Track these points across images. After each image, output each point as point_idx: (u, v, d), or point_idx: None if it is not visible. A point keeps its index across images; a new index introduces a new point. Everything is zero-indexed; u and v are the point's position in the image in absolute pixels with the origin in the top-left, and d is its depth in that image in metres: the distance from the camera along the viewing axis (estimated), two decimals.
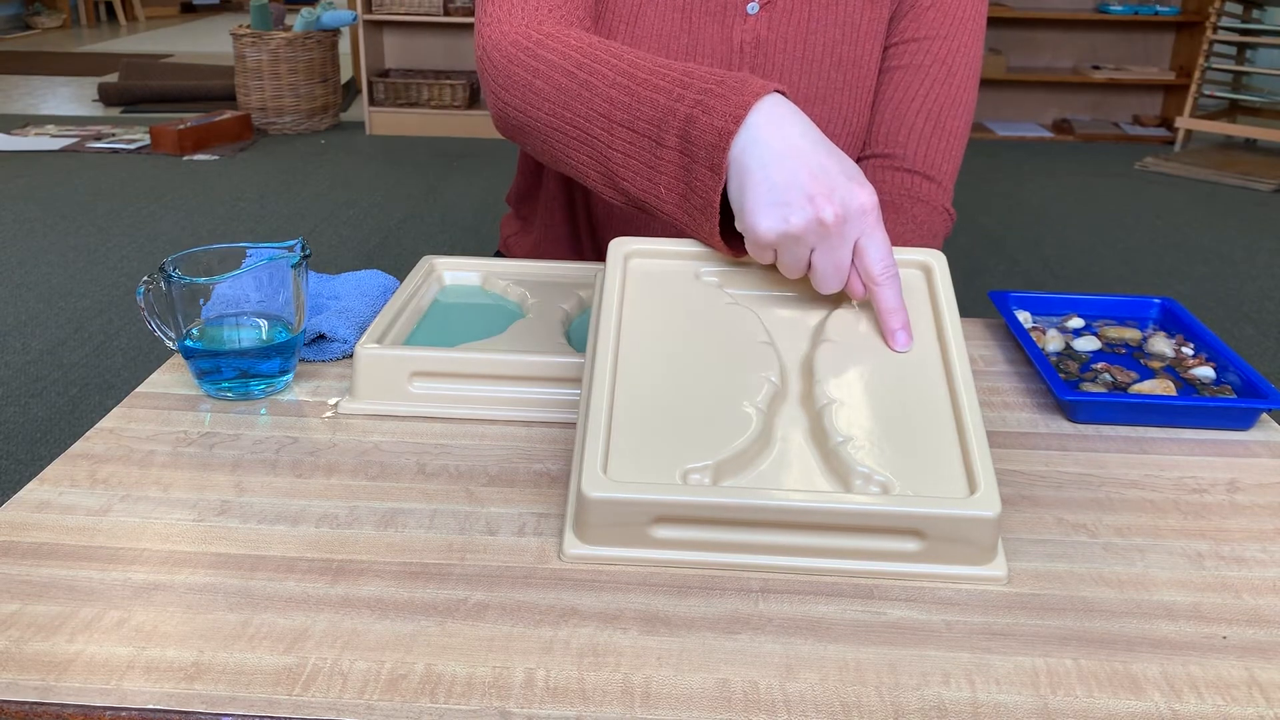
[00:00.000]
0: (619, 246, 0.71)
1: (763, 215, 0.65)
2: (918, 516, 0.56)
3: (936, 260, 0.72)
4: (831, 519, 0.57)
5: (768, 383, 0.63)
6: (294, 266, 0.74)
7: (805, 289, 0.72)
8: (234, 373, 0.75)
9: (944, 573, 0.58)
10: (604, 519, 0.57)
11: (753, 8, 0.92)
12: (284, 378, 0.78)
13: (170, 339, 0.75)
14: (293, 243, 0.76)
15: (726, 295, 0.70)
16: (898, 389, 0.64)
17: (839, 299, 0.71)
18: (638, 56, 0.75)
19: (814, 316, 0.70)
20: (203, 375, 0.76)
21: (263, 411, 0.75)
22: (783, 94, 0.68)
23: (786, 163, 0.64)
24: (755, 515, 0.57)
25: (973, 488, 0.58)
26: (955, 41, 0.95)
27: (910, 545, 0.57)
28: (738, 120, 0.65)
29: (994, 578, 0.58)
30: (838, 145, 0.94)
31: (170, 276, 0.72)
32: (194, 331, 0.75)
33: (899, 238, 0.92)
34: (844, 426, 0.61)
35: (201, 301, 0.74)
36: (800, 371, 0.66)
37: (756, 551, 0.58)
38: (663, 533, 0.58)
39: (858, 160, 0.99)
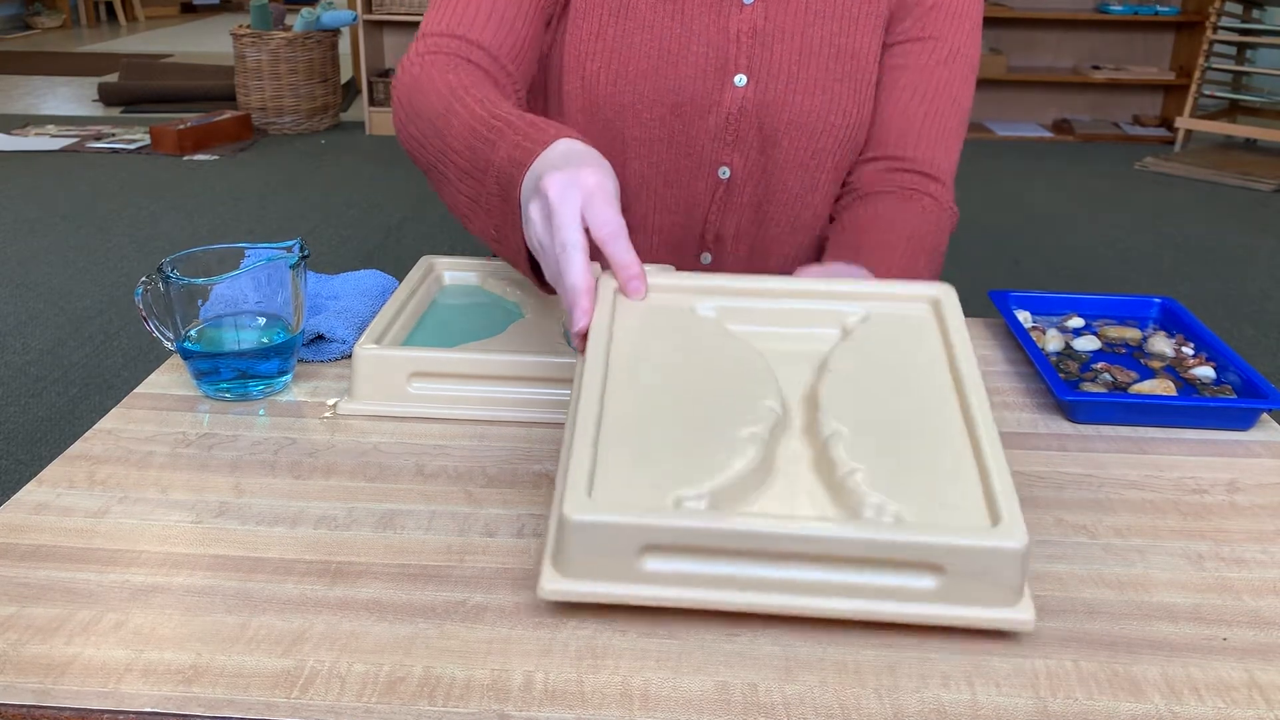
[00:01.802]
0: (610, 280, 0.67)
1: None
2: (936, 548, 0.51)
3: (945, 294, 0.68)
4: (842, 550, 0.52)
5: (769, 411, 0.59)
6: (292, 267, 0.74)
7: (806, 324, 0.68)
8: (232, 373, 0.75)
9: (965, 615, 0.53)
10: (588, 547, 0.52)
11: None
12: (283, 378, 0.78)
13: (169, 340, 0.75)
14: (291, 243, 0.76)
15: (724, 329, 0.66)
16: (909, 420, 0.59)
17: (841, 333, 0.67)
18: (484, 106, 0.79)
19: (817, 350, 0.66)
20: (201, 376, 0.76)
21: (261, 412, 0.75)
22: (575, 138, 0.71)
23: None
24: (756, 544, 0.52)
25: (995, 519, 0.53)
26: (957, 41, 0.96)
27: (927, 582, 0.52)
28: (527, 163, 0.70)
29: (1020, 622, 0.53)
30: (837, 135, 0.95)
31: (169, 277, 0.72)
32: (192, 332, 0.75)
33: (912, 223, 0.93)
34: (852, 457, 0.56)
35: (200, 302, 0.74)
36: (804, 403, 0.62)
37: (757, 589, 0.53)
38: (653, 565, 0.53)
39: (860, 161, 0.99)
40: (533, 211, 0.66)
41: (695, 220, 1.00)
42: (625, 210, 1.01)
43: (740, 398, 0.60)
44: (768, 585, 0.53)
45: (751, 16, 0.92)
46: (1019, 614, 0.53)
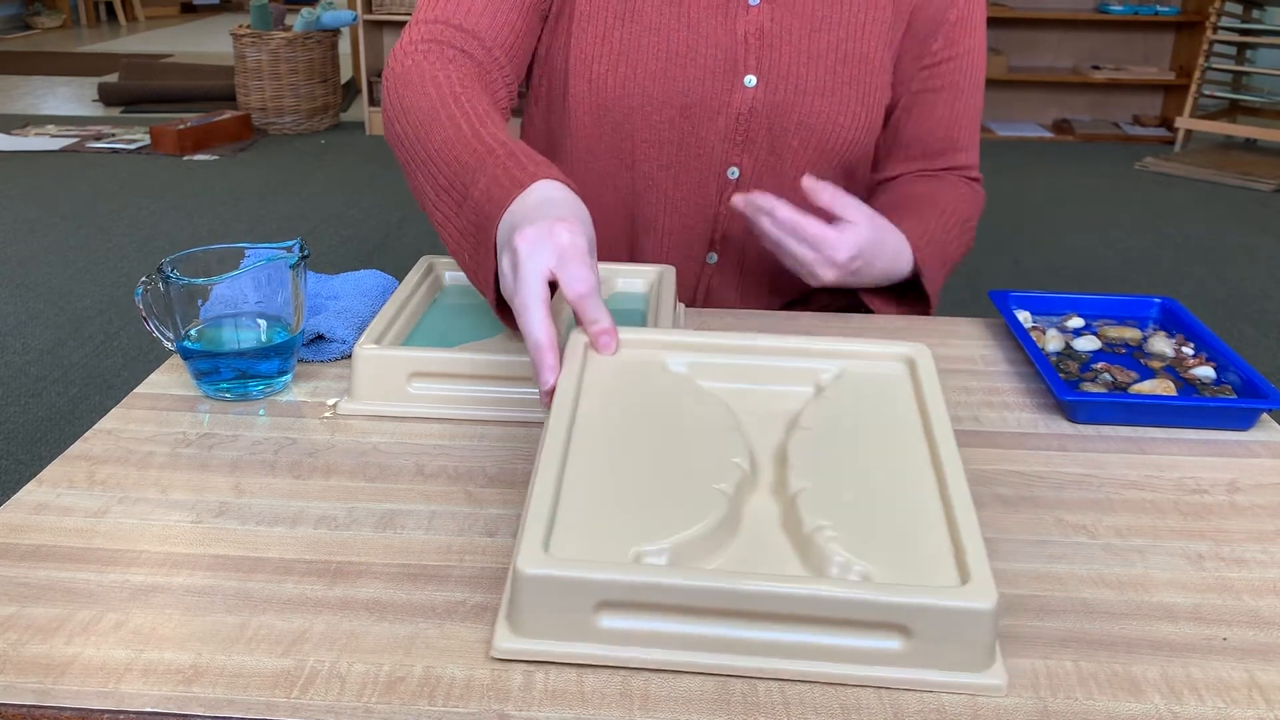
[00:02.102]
0: (581, 336, 0.67)
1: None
2: (902, 607, 0.49)
3: (920, 353, 0.68)
4: (804, 608, 0.50)
5: (736, 468, 0.58)
6: (292, 267, 0.74)
7: (779, 381, 0.68)
8: (232, 373, 0.75)
9: (932, 680, 0.50)
10: (542, 603, 0.50)
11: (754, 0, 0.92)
12: (282, 378, 0.78)
13: (169, 340, 0.75)
14: (291, 243, 0.76)
15: (695, 384, 0.66)
16: (879, 477, 0.58)
17: (815, 390, 0.67)
18: (472, 123, 0.79)
19: (789, 407, 0.65)
20: (201, 376, 0.76)
21: (261, 412, 0.75)
22: (558, 180, 0.71)
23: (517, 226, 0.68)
24: (716, 601, 0.50)
25: (964, 578, 0.51)
26: (976, 48, 1.02)
27: (893, 644, 0.50)
28: (506, 204, 0.70)
29: (990, 687, 0.50)
30: (845, 137, 0.97)
31: (168, 277, 0.72)
32: (192, 332, 0.75)
33: (945, 195, 1.01)
34: (819, 514, 0.55)
35: (200, 302, 0.74)
36: (773, 460, 0.61)
37: (716, 650, 0.51)
38: (609, 623, 0.51)
39: (902, 171, 1.05)
40: (504, 263, 0.67)
41: (704, 221, 1.00)
42: (633, 210, 1.01)
43: (708, 454, 0.59)
44: (725, 645, 0.51)
45: (758, 18, 0.93)
46: (989, 679, 0.50)
